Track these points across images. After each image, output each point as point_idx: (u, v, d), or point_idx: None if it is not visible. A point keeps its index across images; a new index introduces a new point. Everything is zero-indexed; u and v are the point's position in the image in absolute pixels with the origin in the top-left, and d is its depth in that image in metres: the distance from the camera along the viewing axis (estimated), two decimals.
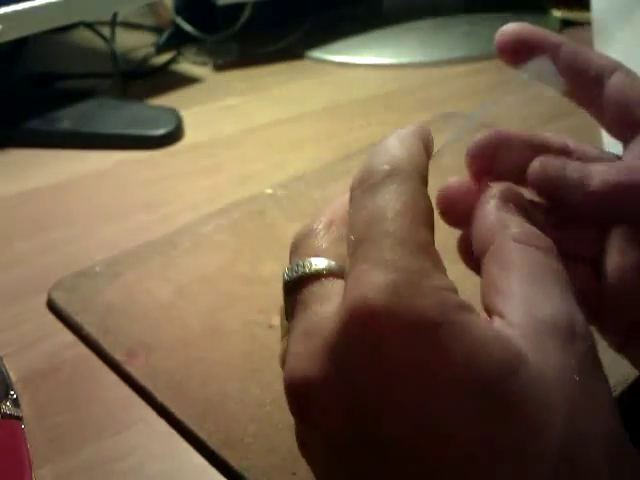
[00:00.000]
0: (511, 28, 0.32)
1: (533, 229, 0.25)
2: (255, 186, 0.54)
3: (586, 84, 0.31)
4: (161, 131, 0.63)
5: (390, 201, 0.23)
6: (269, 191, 0.53)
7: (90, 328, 0.40)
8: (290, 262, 0.25)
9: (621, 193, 0.28)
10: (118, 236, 0.49)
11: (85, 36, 0.81)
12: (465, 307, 0.21)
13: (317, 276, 0.24)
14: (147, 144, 0.62)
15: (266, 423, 0.34)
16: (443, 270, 0.22)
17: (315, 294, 0.24)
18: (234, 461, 0.32)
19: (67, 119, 0.64)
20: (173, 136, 0.63)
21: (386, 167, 0.24)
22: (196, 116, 0.67)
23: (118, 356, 0.38)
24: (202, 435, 0.34)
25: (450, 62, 0.76)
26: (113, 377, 0.38)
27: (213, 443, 0.33)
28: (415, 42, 0.81)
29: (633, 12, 0.63)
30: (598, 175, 0.28)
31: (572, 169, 0.29)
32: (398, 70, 0.77)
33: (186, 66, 0.79)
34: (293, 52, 0.81)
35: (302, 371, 0.22)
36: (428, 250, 0.22)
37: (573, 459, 0.20)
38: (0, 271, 0.47)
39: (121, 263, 0.45)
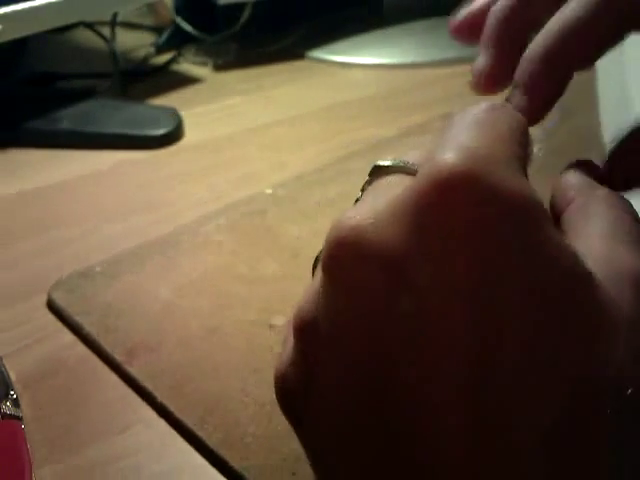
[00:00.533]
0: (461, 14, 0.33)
1: (621, 196, 0.24)
2: (255, 186, 0.54)
3: None
4: (161, 131, 0.63)
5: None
6: (269, 191, 0.53)
7: (90, 328, 0.40)
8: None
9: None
10: (118, 236, 0.50)
11: (85, 36, 0.81)
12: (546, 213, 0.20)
13: (390, 169, 0.22)
14: (147, 144, 0.62)
15: (266, 423, 0.34)
16: (522, 164, 0.21)
17: (382, 183, 0.22)
18: (234, 461, 0.32)
19: (67, 119, 0.64)
20: (173, 136, 0.63)
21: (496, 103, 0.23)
22: (196, 116, 0.67)
23: (118, 356, 0.38)
24: (202, 435, 0.34)
25: (449, 62, 0.76)
26: (113, 377, 0.38)
27: (213, 443, 0.33)
28: (415, 42, 0.81)
29: None
30: None
31: None
32: (398, 70, 0.77)
33: (186, 66, 0.79)
34: (293, 52, 0.81)
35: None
36: (516, 138, 0.21)
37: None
38: (0, 271, 0.47)
39: (121, 263, 0.45)
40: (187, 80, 0.76)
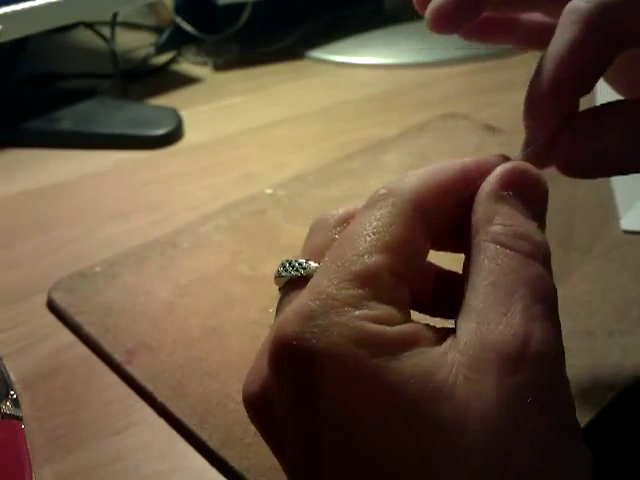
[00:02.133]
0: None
1: (523, 226, 0.22)
2: (255, 186, 0.54)
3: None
4: (161, 131, 0.63)
5: (364, 225, 0.23)
6: (269, 191, 0.53)
7: (90, 328, 0.40)
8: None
9: None
10: (118, 236, 0.50)
11: (85, 36, 0.81)
12: (390, 342, 0.20)
13: (291, 282, 0.25)
14: (147, 144, 0.62)
15: None
16: (391, 299, 0.21)
17: (281, 302, 0.25)
18: (234, 461, 0.32)
19: (67, 119, 0.64)
20: (173, 136, 0.63)
21: (383, 191, 0.23)
22: (196, 116, 0.67)
23: (118, 356, 0.38)
24: (202, 435, 0.34)
25: (450, 62, 0.76)
26: (113, 377, 0.38)
27: (213, 443, 0.33)
28: (415, 42, 0.81)
29: None
30: None
31: None
32: (398, 70, 0.77)
33: (186, 66, 0.79)
34: (293, 52, 0.81)
35: (249, 385, 0.24)
36: (371, 278, 0.21)
37: None
38: (0, 271, 0.47)
39: (121, 263, 0.45)
40: (187, 80, 0.76)
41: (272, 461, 0.32)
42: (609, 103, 0.27)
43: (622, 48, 0.26)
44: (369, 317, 0.21)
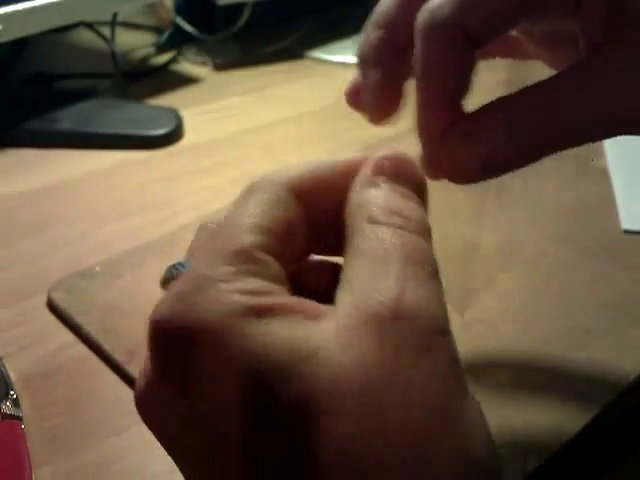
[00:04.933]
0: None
1: (397, 204, 0.22)
2: None
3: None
4: (161, 131, 0.63)
5: (237, 212, 0.23)
6: None
7: (90, 328, 0.40)
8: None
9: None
10: (118, 236, 0.50)
11: (85, 36, 0.81)
12: (261, 309, 0.20)
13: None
14: (147, 144, 0.62)
15: None
16: (266, 275, 0.21)
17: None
18: None
19: (67, 119, 0.64)
20: (173, 136, 0.63)
21: (256, 180, 0.24)
22: (196, 116, 0.67)
23: (118, 356, 0.38)
24: None
25: None
26: (113, 377, 0.38)
27: None
28: None
29: None
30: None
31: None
32: None
33: (186, 66, 0.79)
34: (293, 52, 0.81)
35: (137, 386, 0.23)
36: (244, 255, 0.21)
37: (360, 464, 0.18)
38: (0, 271, 0.47)
39: (121, 263, 0.45)
40: (187, 80, 0.76)
41: None
42: (493, 101, 0.27)
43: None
44: (241, 290, 0.21)
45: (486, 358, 0.38)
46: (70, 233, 0.50)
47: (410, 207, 0.23)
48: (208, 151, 0.62)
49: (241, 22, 0.79)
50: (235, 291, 0.21)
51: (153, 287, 0.43)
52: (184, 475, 0.23)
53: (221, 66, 0.79)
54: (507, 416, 0.34)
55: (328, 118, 0.66)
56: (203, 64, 0.79)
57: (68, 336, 0.40)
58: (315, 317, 0.20)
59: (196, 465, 0.22)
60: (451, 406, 0.19)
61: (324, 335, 0.20)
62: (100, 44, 0.78)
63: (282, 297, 0.21)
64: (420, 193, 0.24)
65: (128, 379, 0.37)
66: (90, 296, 0.42)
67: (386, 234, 0.21)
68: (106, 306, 0.42)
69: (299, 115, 0.67)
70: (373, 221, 0.22)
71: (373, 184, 0.23)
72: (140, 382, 0.23)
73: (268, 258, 0.22)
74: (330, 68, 0.78)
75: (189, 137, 0.64)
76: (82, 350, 0.40)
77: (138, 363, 0.38)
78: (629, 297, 0.42)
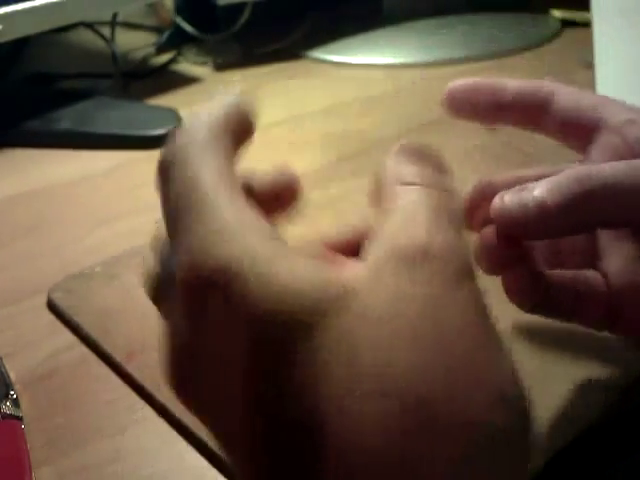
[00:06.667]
0: (459, 83, 0.34)
1: (428, 169, 0.23)
2: None
3: (535, 106, 0.32)
4: (161, 131, 0.63)
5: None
6: None
7: (90, 328, 0.40)
8: None
9: (579, 204, 0.26)
10: (118, 236, 0.49)
11: (85, 36, 0.81)
12: (276, 254, 0.20)
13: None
14: (147, 144, 0.62)
15: None
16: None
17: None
18: None
19: (67, 119, 0.64)
20: None
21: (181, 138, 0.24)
22: None
23: (118, 356, 0.38)
24: (202, 435, 0.33)
25: (450, 62, 0.76)
26: (113, 377, 0.38)
27: (213, 443, 0.33)
28: (415, 42, 0.81)
29: (633, 12, 0.63)
30: (548, 195, 0.26)
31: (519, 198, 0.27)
32: (398, 70, 0.77)
33: (186, 66, 0.79)
34: (293, 52, 0.81)
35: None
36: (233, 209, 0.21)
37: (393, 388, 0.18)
38: (0, 271, 0.47)
39: (121, 264, 0.45)
40: (187, 80, 0.76)
41: None
42: None
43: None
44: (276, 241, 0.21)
45: None
46: (70, 233, 0.50)
47: (438, 172, 0.23)
48: None
49: (241, 22, 0.79)
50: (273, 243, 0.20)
51: None
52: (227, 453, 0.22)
53: (221, 66, 0.79)
54: None
55: (328, 118, 0.66)
56: (203, 64, 0.79)
57: (68, 336, 0.40)
58: (342, 263, 0.21)
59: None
60: (484, 338, 0.19)
61: (353, 277, 0.20)
62: (100, 44, 0.78)
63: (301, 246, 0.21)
64: (444, 173, 0.24)
65: (128, 379, 0.37)
66: (90, 296, 0.42)
67: (415, 192, 0.22)
68: (106, 306, 0.42)
69: (299, 115, 0.67)
70: (404, 183, 0.22)
71: (407, 162, 0.24)
72: (171, 344, 0.23)
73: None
74: (330, 68, 0.78)
75: None
76: (82, 350, 0.39)
77: (137, 363, 0.38)
78: None
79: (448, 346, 0.19)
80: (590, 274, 0.30)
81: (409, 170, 0.23)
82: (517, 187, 0.27)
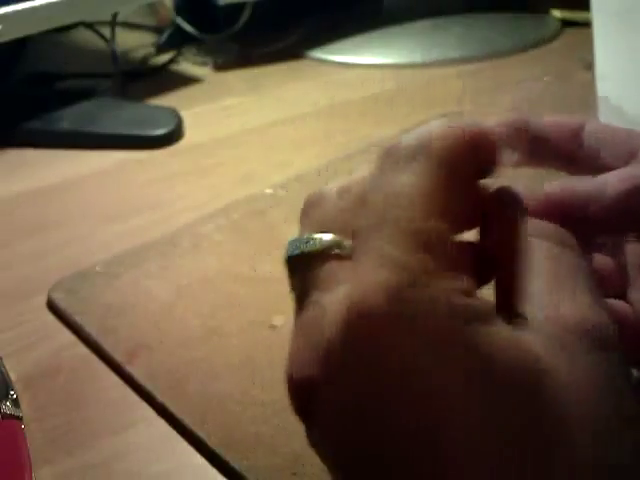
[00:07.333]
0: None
1: (559, 228, 0.23)
2: (255, 186, 0.54)
3: (566, 144, 0.32)
4: (161, 131, 0.63)
5: (406, 185, 0.22)
6: (269, 191, 0.53)
7: (90, 328, 0.40)
8: (300, 231, 0.24)
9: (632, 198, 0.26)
10: (118, 236, 0.50)
11: (85, 36, 0.81)
12: (477, 311, 0.20)
13: (322, 257, 0.23)
14: (147, 144, 0.62)
15: (266, 423, 0.34)
16: (452, 265, 0.20)
17: (317, 279, 0.22)
18: (234, 461, 0.32)
19: (67, 119, 0.64)
20: (173, 136, 0.63)
21: (414, 142, 0.23)
22: (196, 116, 0.67)
23: (118, 356, 0.38)
24: (202, 435, 0.34)
25: (449, 62, 0.76)
26: (113, 377, 0.38)
27: (213, 443, 0.33)
28: (415, 42, 0.81)
29: (633, 12, 0.63)
30: (610, 185, 0.26)
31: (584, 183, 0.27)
32: (398, 70, 0.77)
33: (186, 66, 0.79)
34: (293, 52, 0.81)
35: (301, 368, 0.21)
36: (435, 245, 0.20)
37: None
38: (0, 271, 0.47)
39: (121, 263, 0.45)
40: (187, 80, 0.76)
41: (272, 461, 0.32)
42: None
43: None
44: (456, 289, 0.20)
45: None
46: (70, 233, 0.50)
47: (566, 232, 0.23)
48: (208, 151, 0.62)
49: (241, 22, 0.79)
50: (451, 290, 0.20)
51: (153, 287, 0.43)
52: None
53: (221, 66, 0.79)
54: None
55: (328, 118, 0.66)
56: (203, 64, 0.79)
57: (68, 336, 0.40)
58: (512, 324, 0.20)
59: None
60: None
61: (535, 346, 0.20)
62: (100, 44, 0.78)
63: (484, 299, 0.21)
64: None
65: (128, 379, 0.37)
66: (90, 296, 0.43)
67: (562, 253, 0.22)
68: (106, 306, 0.42)
69: (299, 115, 0.67)
70: (543, 238, 0.23)
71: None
72: (306, 367, 0.21)
73: (455, 248, 0.21)
74: (330, 68, 0.78)
75: (189, 137, 0.64)
76: (82, 350, 0.40)
77: (138, 363, 0.38)
78: None
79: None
80: (618, 304, 0.29)
81: (539, 223, 0.23)
82: None
